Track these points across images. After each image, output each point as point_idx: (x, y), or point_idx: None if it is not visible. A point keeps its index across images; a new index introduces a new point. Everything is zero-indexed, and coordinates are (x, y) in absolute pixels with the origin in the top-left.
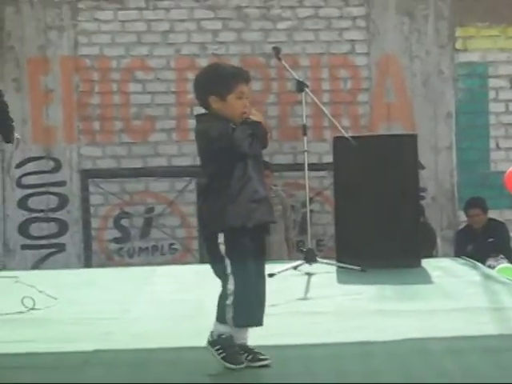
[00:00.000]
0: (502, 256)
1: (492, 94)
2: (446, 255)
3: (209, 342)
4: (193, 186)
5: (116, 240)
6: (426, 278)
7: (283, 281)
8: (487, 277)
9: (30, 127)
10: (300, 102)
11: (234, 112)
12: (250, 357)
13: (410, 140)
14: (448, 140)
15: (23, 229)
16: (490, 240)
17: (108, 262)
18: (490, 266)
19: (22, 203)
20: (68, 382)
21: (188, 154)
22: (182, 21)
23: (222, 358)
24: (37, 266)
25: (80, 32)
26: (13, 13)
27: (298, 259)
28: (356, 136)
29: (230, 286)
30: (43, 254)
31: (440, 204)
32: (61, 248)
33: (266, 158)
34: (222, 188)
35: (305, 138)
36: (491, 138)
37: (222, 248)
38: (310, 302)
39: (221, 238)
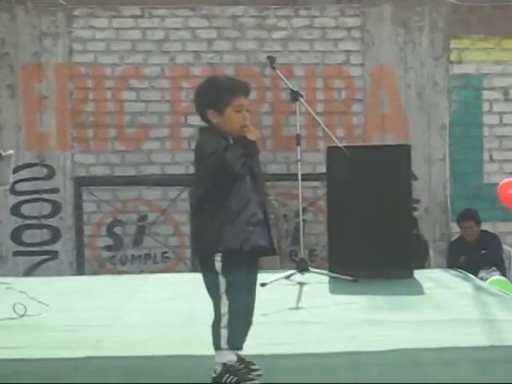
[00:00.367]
0: (494, 268)
1: (486, 106)
2: (438, 266)
3: (214, 378)
4: (186, 194)
5: (109, 248)
6: (417, 289)
7: (275, 290)
8: (479, 288)
9: (24, 134)
10: (294, 112)
11: (232, 126)
12: (241, 366)
13: (404, 151)
14: (442, 151)
15: (16, 235)
16: (483, 252)
17: (100, 269)
18: (482, 278)
19: (15, 210)
20: None
21: (181, 163)
22: (176, 29)
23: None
24: (29, 272)
25: (75, 39)
26: (8, 19)
27: (290, 269)
28: (350, 146)
29: (224, 307)
30: (35, 260)
31: (433, 215)
32: (53, 255)
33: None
34: (218, 206)
35: (298, 147)
36: (485, 149)
37: (218, 265)
38: (302, 311)
39: (218, 255)
